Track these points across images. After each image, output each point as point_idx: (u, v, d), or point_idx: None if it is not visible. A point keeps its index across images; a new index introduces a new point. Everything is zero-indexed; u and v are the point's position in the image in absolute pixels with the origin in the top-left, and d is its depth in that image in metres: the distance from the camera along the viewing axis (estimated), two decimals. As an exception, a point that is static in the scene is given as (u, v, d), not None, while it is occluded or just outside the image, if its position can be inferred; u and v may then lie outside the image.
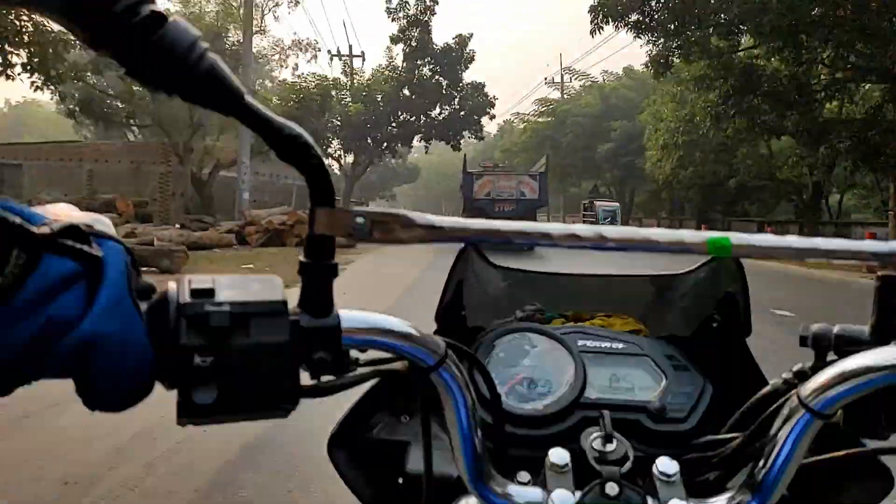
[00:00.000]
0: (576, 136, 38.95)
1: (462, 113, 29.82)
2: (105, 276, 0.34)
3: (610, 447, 0.55)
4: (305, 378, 0.40)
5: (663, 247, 0.43)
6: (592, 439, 0.56)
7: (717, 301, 0.79)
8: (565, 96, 47.17)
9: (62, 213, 0.37)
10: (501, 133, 58.73)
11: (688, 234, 0.44)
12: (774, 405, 0.50)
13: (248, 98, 0.37)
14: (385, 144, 30.00)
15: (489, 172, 20.57)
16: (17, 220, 0.32)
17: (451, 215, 0.51)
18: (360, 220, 0.41)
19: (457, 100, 29.59)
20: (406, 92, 29.09)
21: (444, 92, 29.23)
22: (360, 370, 0.43)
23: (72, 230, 0.34)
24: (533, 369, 0.70)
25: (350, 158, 30.91)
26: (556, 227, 0.43)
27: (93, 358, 0.33)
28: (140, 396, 0.36)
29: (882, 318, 0.47)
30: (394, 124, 29.54)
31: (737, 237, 0.44)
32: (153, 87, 0.35)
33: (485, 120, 30.40)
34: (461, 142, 33.53)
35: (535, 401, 0.67)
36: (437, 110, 29.96)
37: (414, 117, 29.47)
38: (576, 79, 47.27)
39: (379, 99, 28.96)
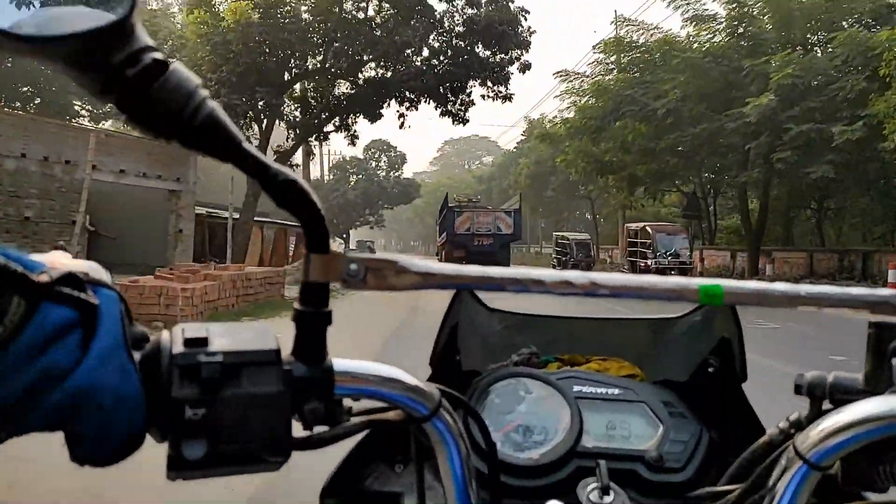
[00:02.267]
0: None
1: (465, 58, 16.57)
2: (100, 325, 0.34)
3: (607, 499, 0.54)
4: (298, 429, 0.39)
5: (655, 294, 0.44)
6: (589, 491, 0.55)
7: (712, 346, 0.79)
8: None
9: (58, 260, 0.37)
10: (528, 136, 44.07)
11: (680, 282, 0.44)
12: (771, 456, 0.49)
13: (246, 144, 0.37)
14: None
15: (468, 209, 22.64)
16: (19, 268, 0.32)
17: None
18: (353, 266, 0.41)
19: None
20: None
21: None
22: (354, 420, 0.42)
23: (69, 278, 0.34)
24: (528, 416, 0.69)
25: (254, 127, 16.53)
26: (549, 274, 0.44)
27: (85, 409, 0.33)
28: (131, 450, 0.35)
29: (875, 365, 0.47)
30: (326, 61, 16.02)
31: (728, 285, 0.44)
32: (153, 134, 0.35)
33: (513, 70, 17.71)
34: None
35: (530, 449, 0.66)
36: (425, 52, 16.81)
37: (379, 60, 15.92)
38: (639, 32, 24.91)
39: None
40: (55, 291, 0.33)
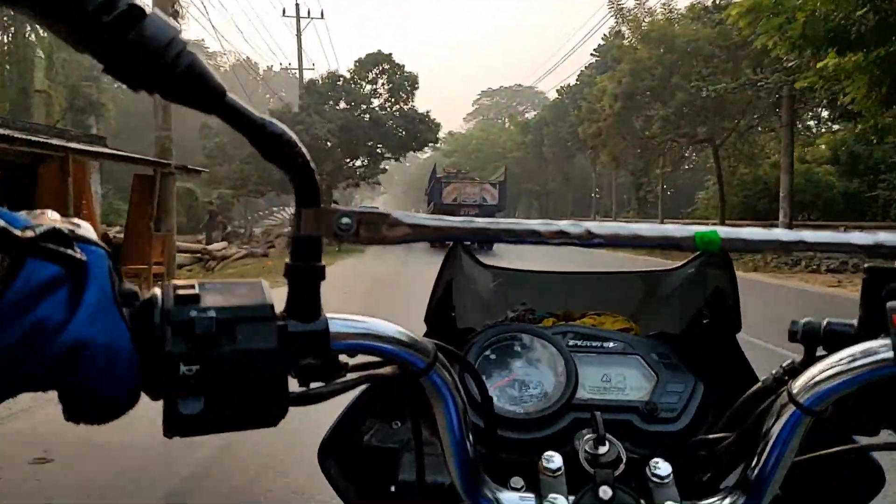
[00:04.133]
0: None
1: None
2: (89, 281, 0.34)
3: (603, 449, 0.55)
4: (294, 385, 0.39)
5: (651, 242, 0.43)
6: (585, 441, 0.56)
7: (706, 297, 0.79)
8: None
9: (44, 217, 0.37)
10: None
11: (675, 229, 0.44)
12: (765, 403, 0.50)
13: (230, 96, 0.36)
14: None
15: (455, 179, 23.36)
16: (0, 223, 0.32)
17: None
18: (346, 219, 0.41)
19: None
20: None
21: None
22: (350, 376, 0.42)
23: (55, 234, 0.34)
24: (524, 371, 0.70)
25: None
26: (543, 225, 0.43)
27: (79, 364, 0.33)
28: (125, 408, 0.35)
29: (869, 311, 0.47)
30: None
31: (725, 231, 0.44)
32: (132, 85, 0.34)
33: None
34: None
35: (526, 403, 0.67)
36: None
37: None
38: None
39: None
40: (40, 247, 0.33)
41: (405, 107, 28.22)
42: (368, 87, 29.11)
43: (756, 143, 22.94)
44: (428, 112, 29.74)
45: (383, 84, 28.83)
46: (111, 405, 0.34)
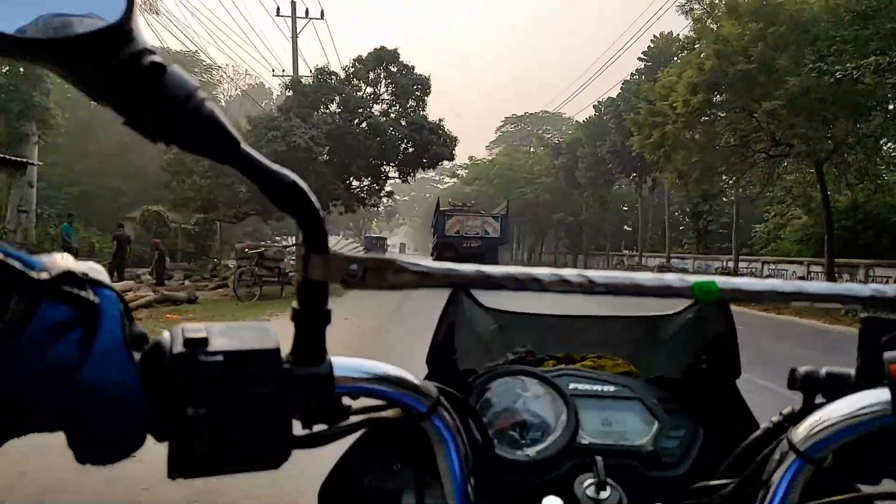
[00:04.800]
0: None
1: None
2: (101, 324, 0.35)
3: (604, 495, 0.55)
4: (297, 427, 0.40)
5: (650, 291, 0.44)
6: (586, 487, 0.57)
7: (705, 343, 0.79)
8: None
9: (58, 260, 0.37)
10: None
11: (674, 279, 0.45)
12: (766, 450, 0.50)
13: (245, 146, 0.37)
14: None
15: (458, 212, 23.59)
16: (18, 265, 0.32)
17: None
18: (353, 266, 0.41)
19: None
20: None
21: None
22: (353, 418, 0.43)
23: (69, 276, 0.35)
24: (525, 414, 0.70)
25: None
26: (545, 273, 0.44)
27: (90, 407, 0.33)
28: (132, 448, 0.36)
29: (867, 360, 0.48)
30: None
31: (723, 281, 0.45)
32: (152, 137, 0.35)
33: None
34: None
35: (527, 446, 0.67)
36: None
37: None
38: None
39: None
40: (55, 290, 0.33)
41: (412, 114, 23.04)
42: (369, 89, 23.64)
43: (879, 155, 16.84)
44: (441, 121, 23.82)
45: (387, 86, 23.40)
46: (120, 447, 0.35)
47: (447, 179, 68.24)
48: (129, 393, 0.34)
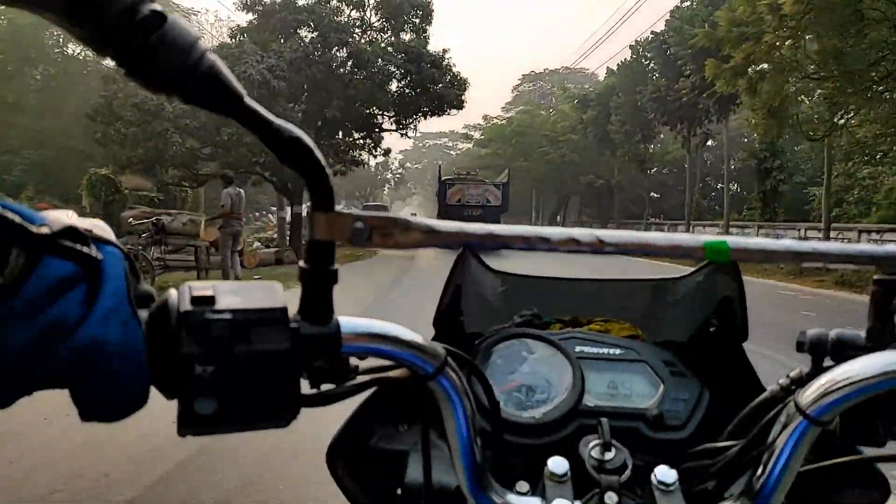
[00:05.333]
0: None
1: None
2: (104, 281, 0.34)
3: (609, 455, 0.55)
4: (305, 386, 0.40)
5: (661, 251, 0.44)
6: (591, 448, 0.57)
7: (713, 305, 0.78)
8: None
9: (61, 217, 0.37)
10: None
11: (685, 238, 0.44)
12: (772, 412, 0.50)
13: (248, 100, 0.37)
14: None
15: (459, 181, 23.87)
16: (17, 219, 0.32)
17: None
18: (359, 224, 0.41)
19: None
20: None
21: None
22: (360, 378, 0.43)
23: (71, 232, 0.34)
24: (531, 376, 0.70)
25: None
26: (554, 232, 0.44)
27: (92, 364, 0.33)
28: (136, 406, 0.36)
29: (878, 322, 0.47)
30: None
31: (734, 241, 0.44)
32: (153, 88, 0.35)
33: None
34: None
35: (533, 408, 0.67)
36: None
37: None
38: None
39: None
40: (56, 245, 0.33)
41: (418, 43, 17.65)
42: (354, 13, 18.50)
43: None
44: (445, 52, 18.66)
45: (377, 7, 18.23)
46: (123, 404, 0.35)
47: (461, 144, 62.57)
48: (133, 350, 0.34)
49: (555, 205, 44.82)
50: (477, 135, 50.79)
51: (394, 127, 19.56)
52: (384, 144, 19.27)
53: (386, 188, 76.59)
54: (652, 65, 26.40)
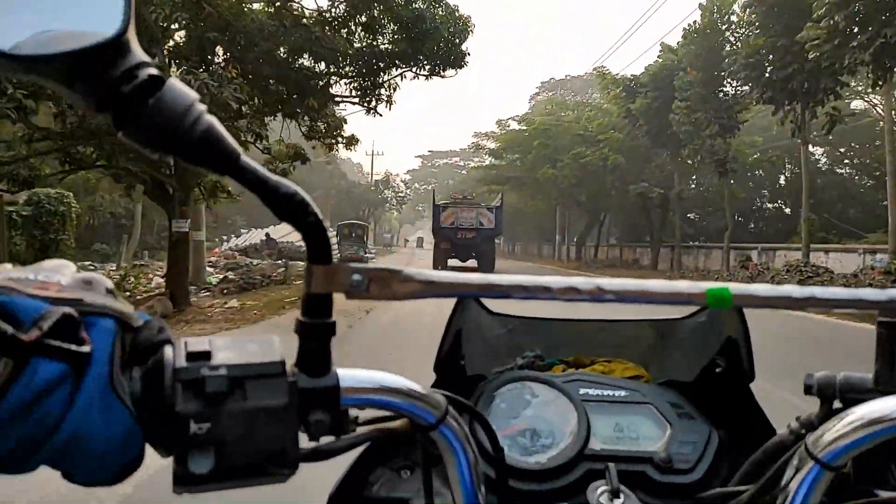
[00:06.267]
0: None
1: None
2: (88, 372, 0.34)
3: (617, 502, 0.55)
4: (304, 440, 0.39)
5: (661, 299, 0.44)
6: (599, 494, 0.56)
7: (718, 346, 0.78)
8: None
9: (57, 280, 0.36)
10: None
11: (686, 286, 0.44)
12: (783, 457, 0.50)
13: (244, 158, 0.37)
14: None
15: (453, 205, 24.63)
16: (8, 329, 0.32)
17: None
18: (357, 276, 0.41)
19: None
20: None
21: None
22: (360, 430, 0.43)
23: (62, 323, 0.33)
24: (535, 420, 0.70)
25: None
26: (554, 281, 0.44)
27: (77, 454, 0.33)
28: (129, 473, 0.36)
29: (885, 365, 0.47)
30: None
31: (736, 287, 0.44)
32: (150, 150, 0.35)
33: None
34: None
35: (538, 453, 0.66)
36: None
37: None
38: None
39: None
40: (44, 345, 0.33)
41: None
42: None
43: None
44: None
45: None
46: (115, 475, 0.35)
47: (474, 160, 54.59)
48: (118, 435, 0.34)
49: (585, 225, 36.69)
50: (490, 144, 42.83)
51: (353, 95, 11.64)
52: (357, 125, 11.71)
53: (395, 212, 69.02)
54: (748, 15, 18.16)
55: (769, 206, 30.71)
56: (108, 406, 0.34)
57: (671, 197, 23.73)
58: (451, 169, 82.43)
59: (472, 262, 23.39)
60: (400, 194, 55.13)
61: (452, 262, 23.66)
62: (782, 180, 29.97)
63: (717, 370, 0.76)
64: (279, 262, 17.82)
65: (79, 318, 0.34)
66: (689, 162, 22.74)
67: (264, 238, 24.69)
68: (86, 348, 0.34)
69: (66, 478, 0.35)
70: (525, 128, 36.12)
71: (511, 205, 50.23)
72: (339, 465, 0.64)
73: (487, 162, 42.68)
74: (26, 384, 0.32)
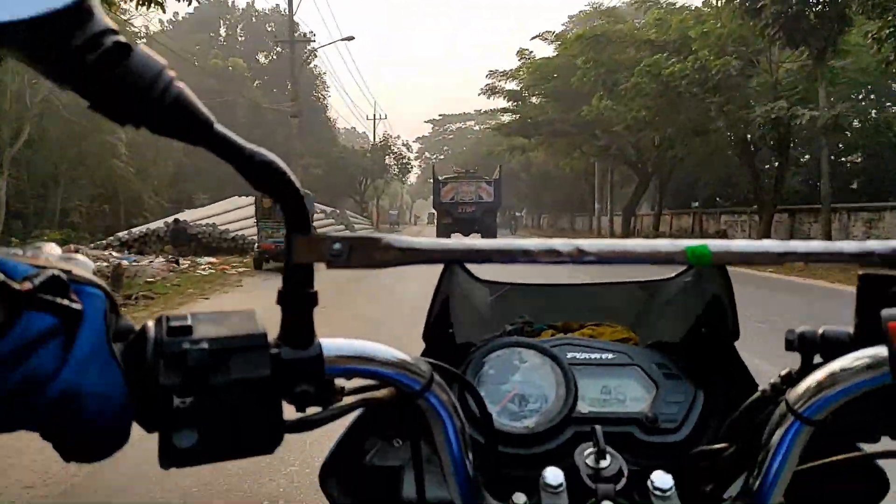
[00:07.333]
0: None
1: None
2: (82, 329, 0.34)
3: (604, 463, 0.55)
4: (291, 411, 0.39)
5: (642, 258, 0.44)
6: (586, 456, 0.56)
7: (704, 306, 0.78)
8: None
9: (43, 256, 0.37)
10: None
11: (666, 244, 0.44)
12: (764, 413, 0.50)
13: (218, 126, 0.36)
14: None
15: (453, 179, 24.82)
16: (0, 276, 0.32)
17: None
18: (337, 245, 0.41)
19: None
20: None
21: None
22: (346, 399, 0.43)
23: (53, 282, 0.34)
24: (523, 385, 0.70)
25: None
26: (535, 244, 0.43)
27: (69, 411, 0.33)
28: (117, 446, 0.36)
29: (865, 318, 0.47)
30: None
31: (715, 244, 0.44)
32: (119, 120, 0.34)
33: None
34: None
35: (527, 418, 0.67)
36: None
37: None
38: None
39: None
40: (37, 299, 0.33)
41: None
42: None
43: None
44: None
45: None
46: (104, 446, 0.35)
47: (489, 123, 44.75)
48: (111, 395, 0.34)
49: (637, 186, 26.70)
50: (510, 85, 32.59)
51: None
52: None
53: (400, 184, 59.93)
54: None
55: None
56: (103, 364, 0.34)
57: (817, 125, 13.88)
58: (465, 134, 73.60)
59: (475, 237, 18.52)
60: (403, 161, 45.70)
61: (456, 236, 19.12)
62: None
63: (703, 330, 0.77)
64: (175, 259, 12.99)
65: (68, 282, 0.34)
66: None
67: (171, 223, 15.56)
68: (77, 305, 0.34)
69: (57, 447, 0.34)
70: (558, 53, 26.23)
71: (537, 167, 39.61)
72: (332, 437, 0.65)
73: (506, 117, 32.87)
74: (20, 334, 0.32)
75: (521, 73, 29.14)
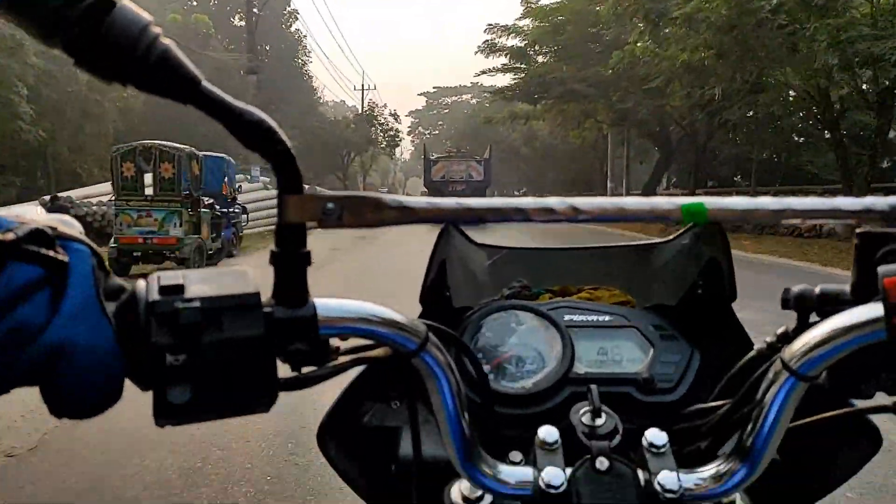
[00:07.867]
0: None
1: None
2: (71, 282, 0.34)
3: (599, 421, 0.56)
4: (286, 370, 0.39)
5: (637, 216, 0.43)
6: (581, 415, 0.57)
7: (700, 267, 0.78)
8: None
9: (28, 215, 0.36)
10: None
11: (661, 202, 0.43)
12: (759, 370, 0.50)
13: (206, 84, 0.36)
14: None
15: (444, 158, 25.90)
16: None
17: None
18: (330, 205, 0.40)
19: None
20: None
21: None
22: (341, 359, 0.43)
23: (37, 234, 0.34)
24: (521, 347, 0.71)
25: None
26: (529, 203, 0.43)
27: (59, 365, 0.33)
28: (109, 403, 0.36)
29: (862, 275, 0.47)
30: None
31: (711, 202, 0.44)
32: (104, 77, 0.34)
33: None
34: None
35: (523, 379, 0.68)
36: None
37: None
38: None
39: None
40: (21, 249, 0.33)
41: None
42: None
43: None
44: None
45: None
46: (95, 401, 0.35)
47: (486, 96, 40.12)
48: (102, 349, 0.34)
49: (659, 160, 22.77)
50: (511, 41, 27.97)
51: None
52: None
53: (398, 160, 55.05)
54: None
55: None
56: (94, 318, 0.34)
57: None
58: (460, 108, 68.83)
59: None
60: (391, 132, 41.01)
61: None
62: None
63: (700, 291, 0.77)
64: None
65: (53, 237, 0.34)
66: None
67: (47, 202, 10.93)
68: (63, 257, 0.34)
69: (47, 400, 0.34)
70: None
71: (541, 141, 34.69)
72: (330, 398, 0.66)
73: (506, 78, 28.33)
74: (4, 283, 0.32)
75: (525, 27, 24.64)
